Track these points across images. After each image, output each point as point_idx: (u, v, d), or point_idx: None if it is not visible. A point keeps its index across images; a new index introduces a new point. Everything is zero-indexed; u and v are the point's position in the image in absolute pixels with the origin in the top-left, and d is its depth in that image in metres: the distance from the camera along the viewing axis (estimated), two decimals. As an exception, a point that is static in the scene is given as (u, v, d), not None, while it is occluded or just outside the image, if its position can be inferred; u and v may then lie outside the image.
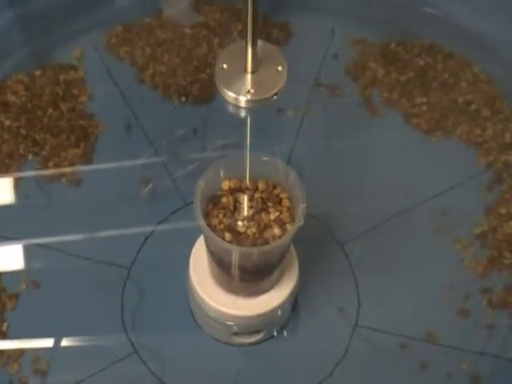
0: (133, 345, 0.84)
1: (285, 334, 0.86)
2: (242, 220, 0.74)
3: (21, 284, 0.88)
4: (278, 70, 0.66)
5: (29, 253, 0.91)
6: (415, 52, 1.08)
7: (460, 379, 0.83)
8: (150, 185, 0.94)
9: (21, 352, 0.84)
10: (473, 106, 1.03)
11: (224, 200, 0.75)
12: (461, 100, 1.03)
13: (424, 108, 1.03)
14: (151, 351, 0.84)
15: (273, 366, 0.85)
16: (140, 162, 0.97)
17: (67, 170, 0.96)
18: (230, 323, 0.81)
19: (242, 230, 0.74)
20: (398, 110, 1.03)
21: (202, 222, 0.72)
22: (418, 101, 1.03)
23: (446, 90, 1.04)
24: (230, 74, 0.65)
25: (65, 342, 0.85)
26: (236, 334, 0.83)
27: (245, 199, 0.76)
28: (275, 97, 0.65)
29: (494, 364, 0.85)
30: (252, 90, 0.65)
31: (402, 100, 1.04)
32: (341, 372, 0.83)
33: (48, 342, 0.84)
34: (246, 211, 0.75)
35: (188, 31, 1.08)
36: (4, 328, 0.85)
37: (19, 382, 0.82)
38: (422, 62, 1.07)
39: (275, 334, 0.86)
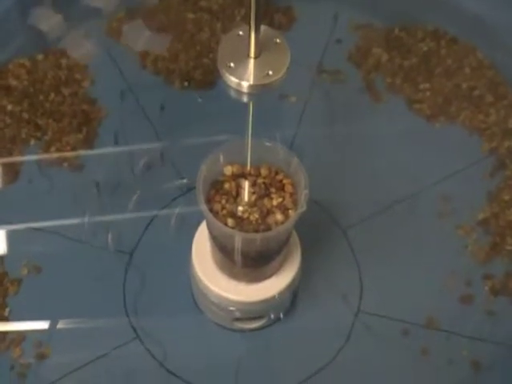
0: (135, 330, 0.84)
1: (287, 319, 0.86)
2: (245, 206, 0.74)
3: (23, 269, 0.88)
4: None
5: (31, 238, 0.90)
6: (419, 37, 1.07)
7: (461, 365, 0.83)
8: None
9: (23, 337, 0.84)
10: (476, 92, 1.02)
11: (226, 185, 0.75)
12: (464, 86, 1.03)
13: (427, 93, 1.02)
14: (153, 336, 0.84)
15: (274, 351, 0.85)
16: (142, 147, 0.97)
17: (69, 154, 0.96)
18: (232, 309, 0.81)
19: (244, 215, 0.74)
20: (401, 95, 1.02)
21: (204, 208, 0.72)
22: (421, 86, 1.03)
23: (450, 75, 1.04)
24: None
25: (67, 327, 0.85)
26: (238, 319, 0.83)
27: (247, 185, 0.75)
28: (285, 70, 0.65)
29: (495, 350, 0.85)
30: (262, 74, 0.64)
31: (405, 85, 1.03)
32: (343, 358, 0.83)
33: (50, 327, 0.84)
34: (248, 197, 0.75)
35: (191, 16, 1.08)
36: (6, 313, 0.85)
37: (21, 367, 0.82)
38: (425, 48, 1.06)
39: (277, 319, 0.86)
